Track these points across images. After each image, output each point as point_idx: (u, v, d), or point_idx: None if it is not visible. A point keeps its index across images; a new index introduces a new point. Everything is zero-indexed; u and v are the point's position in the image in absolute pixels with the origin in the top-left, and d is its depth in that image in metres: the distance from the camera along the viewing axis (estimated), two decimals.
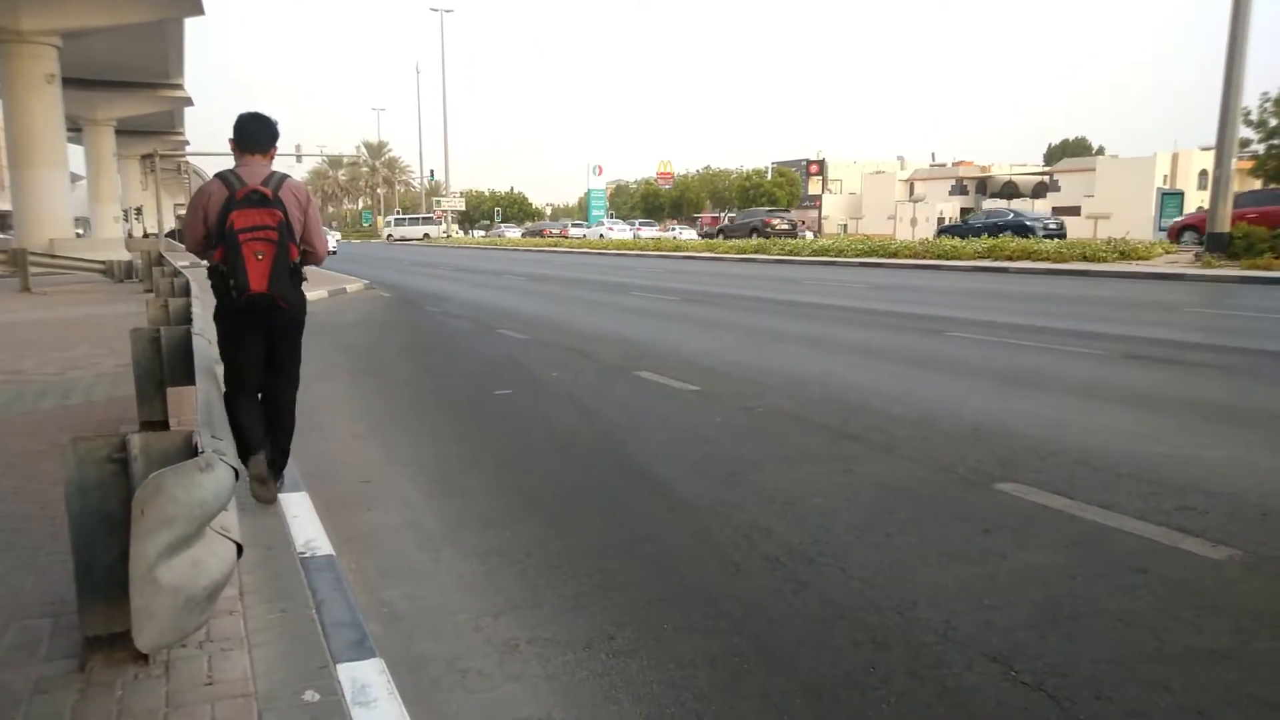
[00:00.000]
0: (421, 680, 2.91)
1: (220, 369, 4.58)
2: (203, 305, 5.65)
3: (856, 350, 9.63)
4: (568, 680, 2.90)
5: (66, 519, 2.73)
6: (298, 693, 2.66)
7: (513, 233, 73.18)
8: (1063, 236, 31.46)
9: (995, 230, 31.50)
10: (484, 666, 3.00)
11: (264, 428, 4.47)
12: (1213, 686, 2.74)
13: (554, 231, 68.28)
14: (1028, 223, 33.71)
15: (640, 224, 65.02)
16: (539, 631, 3.23)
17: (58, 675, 2.72)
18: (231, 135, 4.28)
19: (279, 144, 4.43)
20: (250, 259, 4.02)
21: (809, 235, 46.61)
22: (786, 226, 44.94)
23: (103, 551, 2.70)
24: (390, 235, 70.96)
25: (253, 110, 4.37)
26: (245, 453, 4.21)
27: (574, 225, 69.03)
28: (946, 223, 43.86)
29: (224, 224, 4.02)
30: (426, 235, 68.73)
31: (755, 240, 38.80)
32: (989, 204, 52.43)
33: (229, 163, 4.31)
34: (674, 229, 60.98)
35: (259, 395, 4.51)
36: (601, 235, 56.96)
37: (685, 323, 12.73)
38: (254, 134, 4.27)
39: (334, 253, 32.15)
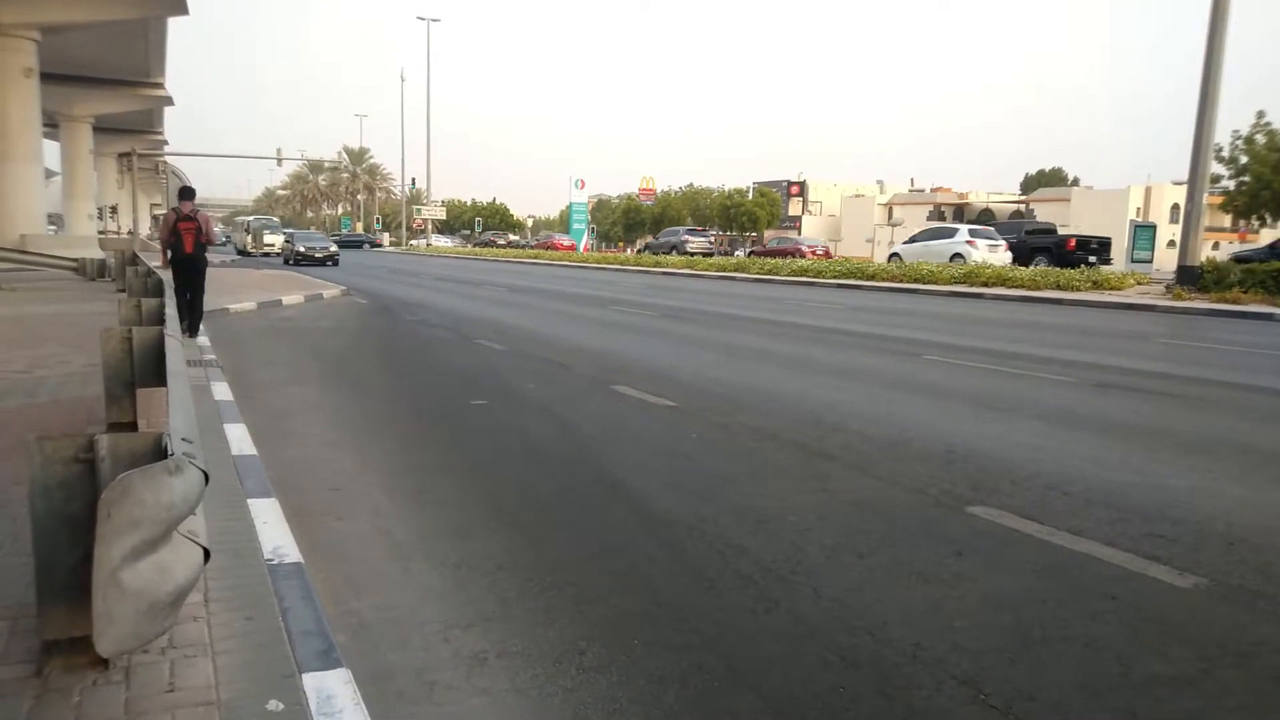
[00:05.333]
0: (388, 692, 2.87)
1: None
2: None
3: (832, 370, 9.68)
4: (536, 695, 2.87)
5: (28, 519, 2.67)
6: (261, 702, 2.62)
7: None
8: None
9: None
10: (452, 679, 2.97)
11: (187, 314, 10.86)
12: (1177, 714, 2.77)
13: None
14: None
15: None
16: (508, 645, 3.20)
17: (13, 680, 2.65)
18: (179, 193, 11.69)
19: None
20: (187, 240, 11.18)
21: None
22: (504, 243, 64.69)
23: (65, 553, 2.65)
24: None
25: (184, 184, 13.68)
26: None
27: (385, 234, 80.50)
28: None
29: (176, 228, 11.18)
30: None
31: (735, 259, 38.79)
32: None
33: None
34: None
35: (188, 298, 11.20)
36: (428, 244, 69.78)
37: (663, 338, 12.75)
38: (187, 194, 11.62)
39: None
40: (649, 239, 56.69)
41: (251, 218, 57.67)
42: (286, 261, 37.65)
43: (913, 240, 31.39)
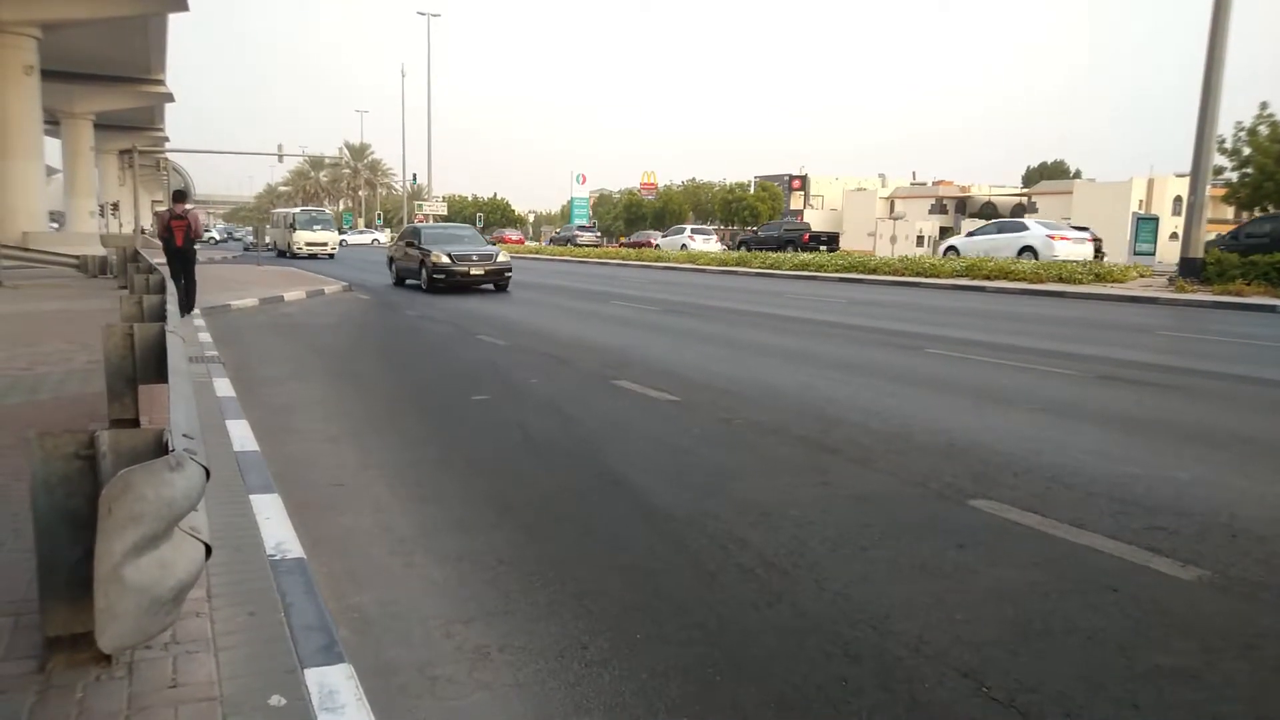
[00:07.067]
0: (390, 686, 2.87)
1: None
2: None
3: (835, 364, 9.67)
4: (538, 689, 2.87)
5: (30, 516, 2.67)
6: (264, 697, 2.62)
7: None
8: None
9: None
10: (454, 674, 2.97)
11: (183, 297, 12.61)
12: (1180, 706, 2.76)
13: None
14: None
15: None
16: (511, 639, 3.20)
17: (16, 676, 2.66)
18: (172, 195, 14.53)
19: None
20: (178, 235, 13.65)
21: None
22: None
23: (66, 550, 2.65)
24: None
25: (178, 188, 15.96)
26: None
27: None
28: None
29: (170, 225, 13.76)
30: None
31: (738, 253, 39.43)
32: None
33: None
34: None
35: (182, 283, 13.08)
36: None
37: (665, 333, 12.74)
38: (179, 196, 14.32)
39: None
40: (554, 233, 66.84)
41: (297, 210, 45.37)
42: (400, 281, 22.26)
43: (665, 235, 49.73)
